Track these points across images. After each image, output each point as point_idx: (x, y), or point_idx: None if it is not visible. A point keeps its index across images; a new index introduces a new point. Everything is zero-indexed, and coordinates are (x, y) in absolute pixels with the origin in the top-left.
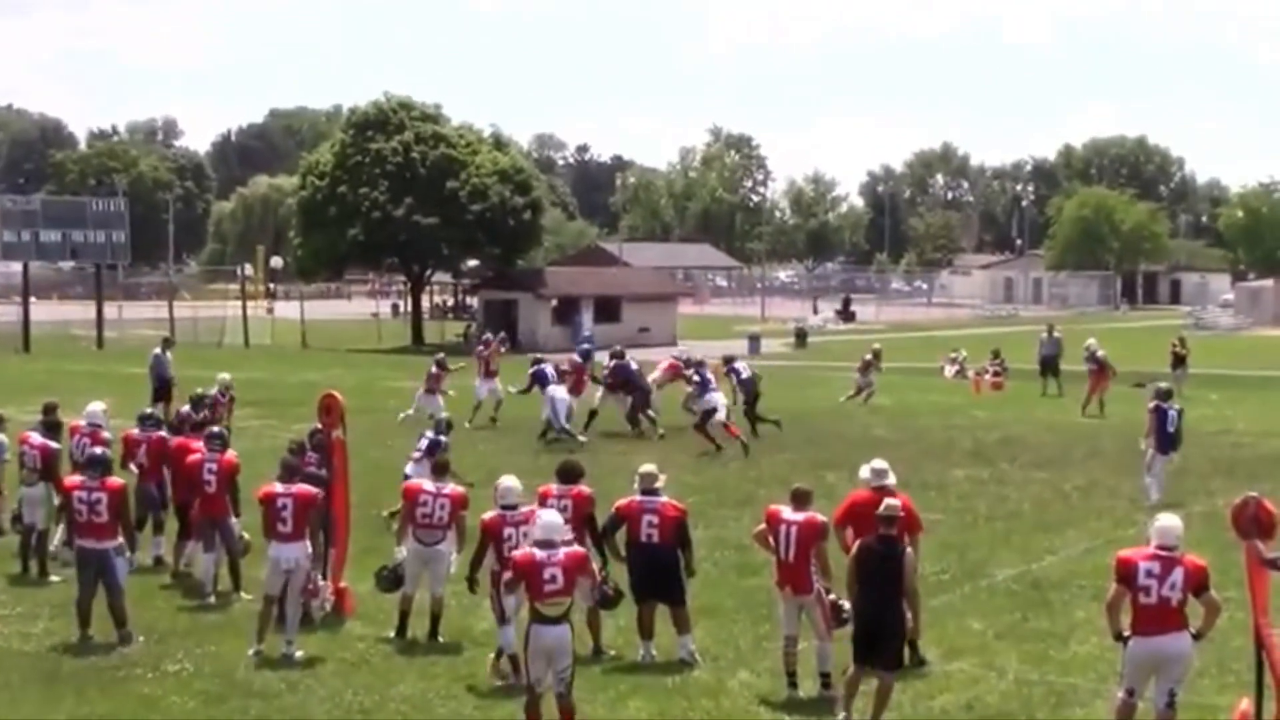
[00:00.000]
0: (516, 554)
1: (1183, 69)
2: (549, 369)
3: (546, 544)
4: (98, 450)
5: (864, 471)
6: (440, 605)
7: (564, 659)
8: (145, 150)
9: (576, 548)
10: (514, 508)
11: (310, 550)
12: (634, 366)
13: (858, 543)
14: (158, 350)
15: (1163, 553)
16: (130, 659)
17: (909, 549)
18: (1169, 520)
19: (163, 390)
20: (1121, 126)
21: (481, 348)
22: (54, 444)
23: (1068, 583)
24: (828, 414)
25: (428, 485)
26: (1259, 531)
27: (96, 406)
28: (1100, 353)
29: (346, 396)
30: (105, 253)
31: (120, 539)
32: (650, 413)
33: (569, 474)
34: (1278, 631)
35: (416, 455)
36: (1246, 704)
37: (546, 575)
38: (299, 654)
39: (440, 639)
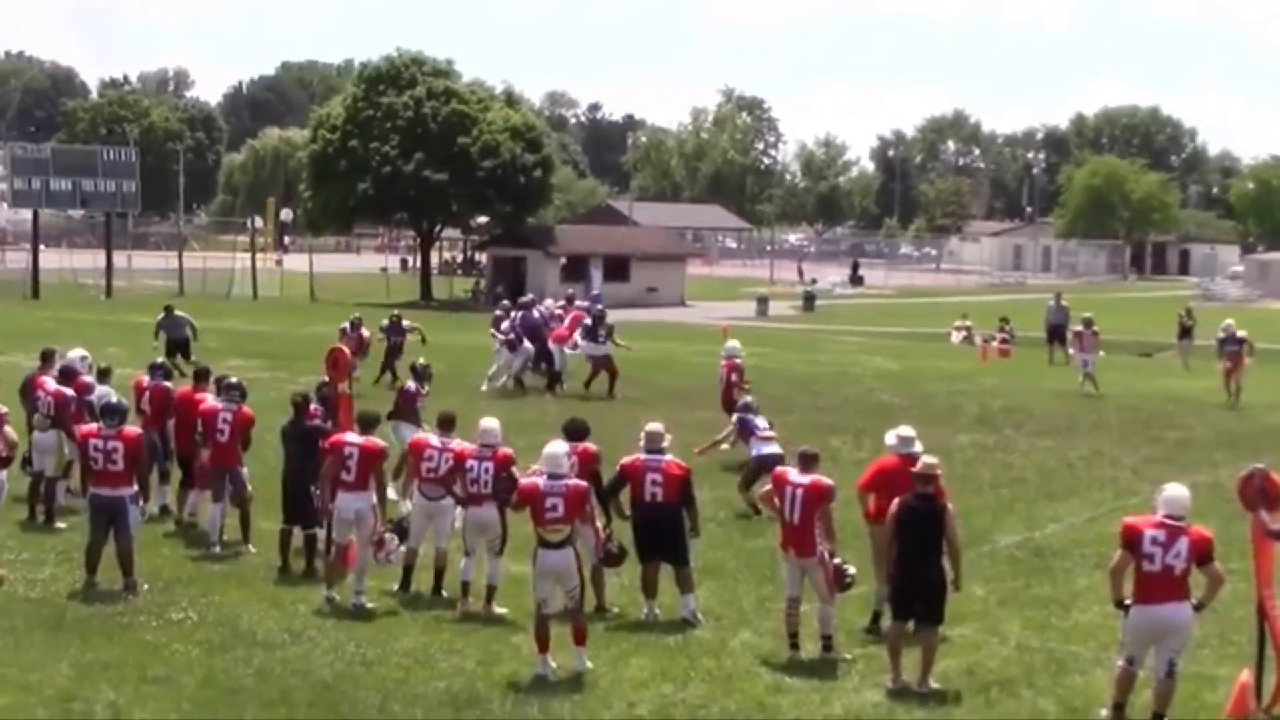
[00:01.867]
0: (523, 482)
1: (1197, 40)
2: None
3: (551, 474)
4: (115, 398)
5: (890, 438)
6: (444, 559)
7: (571, 579)
8: (156, 100)
9: (579, 481)
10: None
11: (374, 501)
12: (538, 319)
13: (896, 500)
14: (163, 315)
15: (1169, 522)
16: (135, 606)
17: (949, 505)
18: (1177, 490)
19: (177, 347)
20: (1134, 96)
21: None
22: (68, 391)
23: (1070, 551)
24: (834, 378)
25: (433, 440)
26: (1265, 503)
27: (76, 353)
28: (1241, 333)
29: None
30: (115, 202)
31: (135, 488)
32: (554, 370)
33: (576, 431)
34: None
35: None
36: (1247, 675)
37: (548, 504)
38: (369, 604)
39: (444, 593)
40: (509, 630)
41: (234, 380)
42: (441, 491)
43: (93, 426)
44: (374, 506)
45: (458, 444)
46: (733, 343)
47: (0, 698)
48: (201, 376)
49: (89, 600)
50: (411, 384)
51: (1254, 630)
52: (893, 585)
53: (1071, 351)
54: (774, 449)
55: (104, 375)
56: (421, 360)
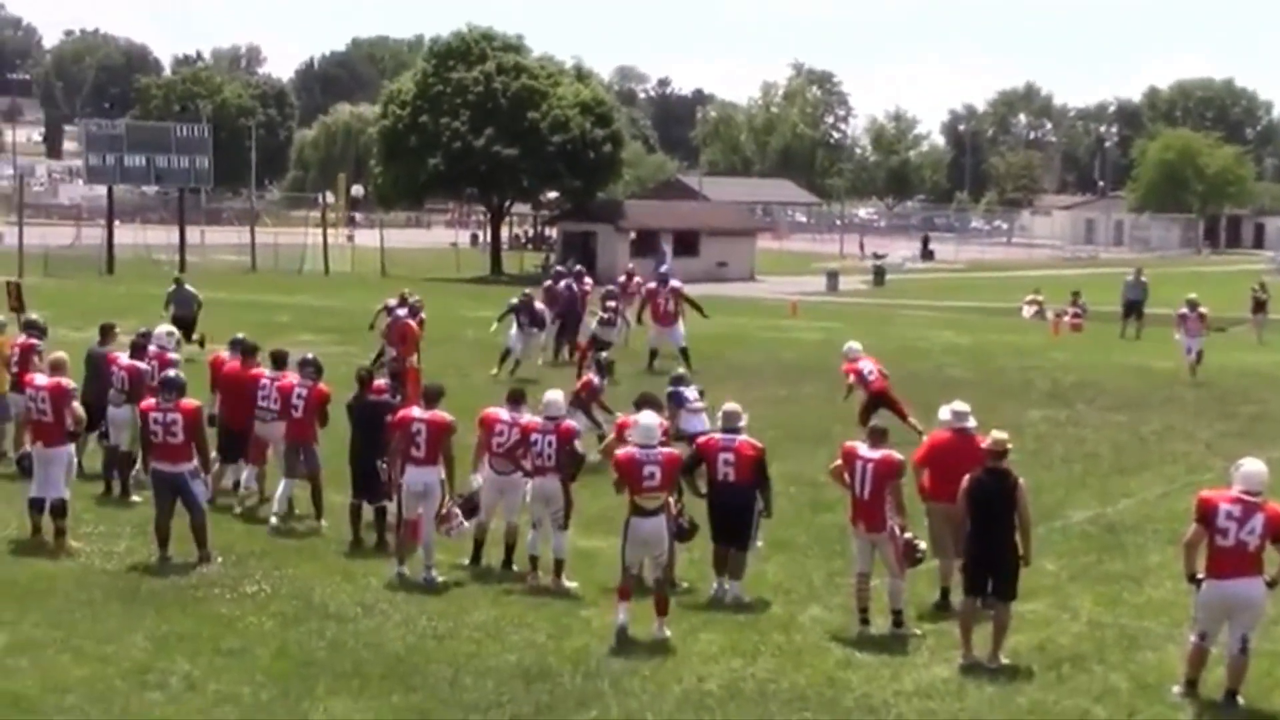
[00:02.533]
0: (619, 453)
1: (1273, 11)
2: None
3: (645, 445)
4: (172, 372)
5: (944, 413)
6: (515, 534)
7: (660, 545)
8: (229, 77)
9: (674, 450)
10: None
11: (443, 475)
12: (563, 291)
13: (968, 476)
14: (172, 288)
15: (1245, 497)
16: (209, 579)
17: (1021, 480)
18: (1255, 465)
19: (179, 324)
20: (1209, 69)
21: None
22: (142, 365)
23: (1142, 526)
24: (904, 353)
25: (504, 414)
26: None
27: (163, 329)
28: None
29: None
30: (188, 178)
31: (195, 462)
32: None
33: (651, 404)
34: None
35: None
36: None
37: (645, 472)
38: (439, 577)
39: (515, 567)
40: (579, 604)
41: (310, 356)
42: (511, 466)
43: (152, 401)
44: (442, 481)
45: (527, 418)
46: (853, 343)
47: (78, 669)
48: (250, 352)
49: (164, 573)
50: (595, 377)
51: None
52: (966, 561)
53: (1177, 337)
54: (699, 423)
55: (140, 351)
56: (605, 355)
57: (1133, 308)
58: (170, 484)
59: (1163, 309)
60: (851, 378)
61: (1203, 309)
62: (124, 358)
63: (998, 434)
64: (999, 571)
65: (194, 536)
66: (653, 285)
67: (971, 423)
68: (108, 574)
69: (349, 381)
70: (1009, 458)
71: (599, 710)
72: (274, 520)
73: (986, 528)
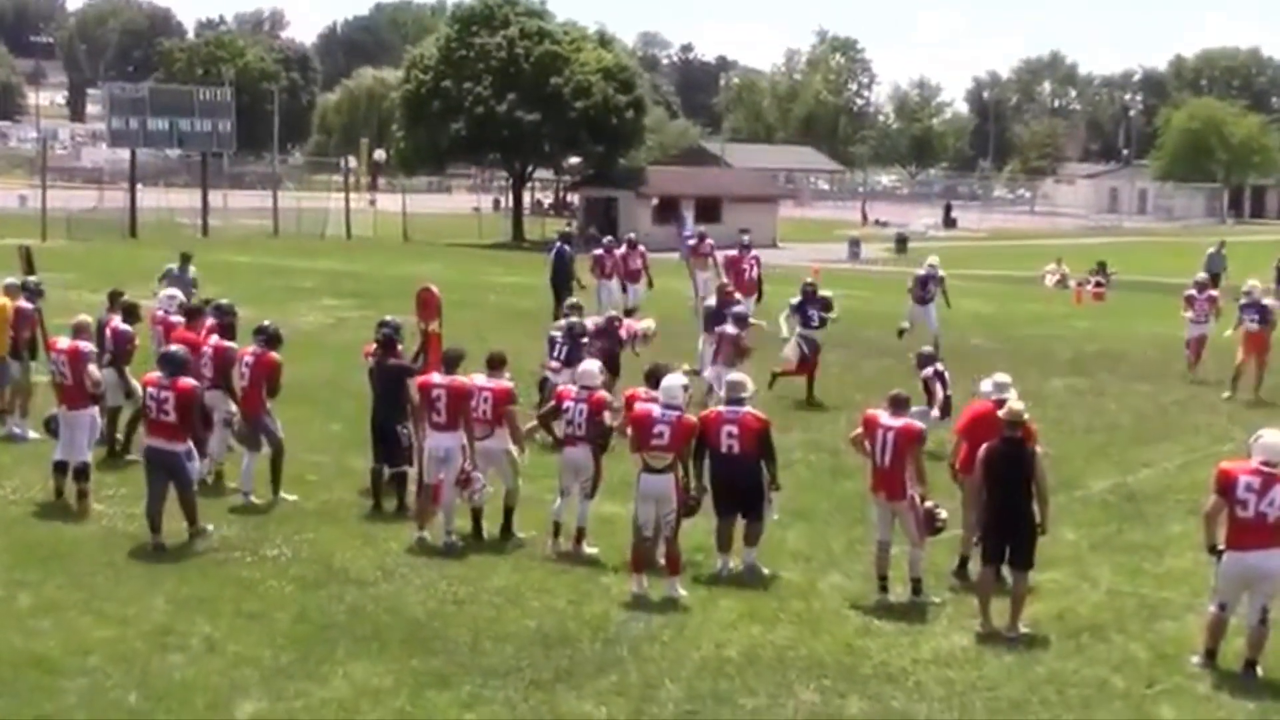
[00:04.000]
0: (638, 407)
1: None
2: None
3: (665, 405)
4: (173, 348)
5: (985, 384)
6: (512, 498)
7: (667, 504)
8: (252, 41)
9: (690, 416)
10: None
11: (464, 441)
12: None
13: (984, 445)
14: (172, 265)
15: (1265, 468)
16: (230, 542)
17: (1038, 449)
18: (1274, 436)
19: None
20: (1234, 37)
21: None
22: (125, 328)
23: (1163, 496)
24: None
25: (477, 380)
26: None
27: (167, 292)
28: (1270, 300)
29: (446, 291)
30: (211, 142)
31: (189, 443)
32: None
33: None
34: None
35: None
36: None
37: (656, 430)
38: (460, 542)
39: (518, 534)
40: (599, 570)
41: (265, 324)
42: (485, 432)
43: (154, 375)
44: (463, 446)
45: (495, 384)
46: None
47: (99, 630)
48: (194, 315)
49: (185, 535)
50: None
51: None
52: (984, 530)
53: (1187, 315)
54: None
55: (130, 313)
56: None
57: (1214, 280)
58: (163, 463)
59: (1187, 279)
60: None
61: (1213, 291)
62: (116, 320)
63: (1014, 403)
64: (1016, 541)
65: (183, 512)
66: (735, 253)
67: (1012, 394)
68: (129, 537)
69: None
70: (1033, 428)
71: (618, 676)
72: (242, 498)
73: (1003, 497)
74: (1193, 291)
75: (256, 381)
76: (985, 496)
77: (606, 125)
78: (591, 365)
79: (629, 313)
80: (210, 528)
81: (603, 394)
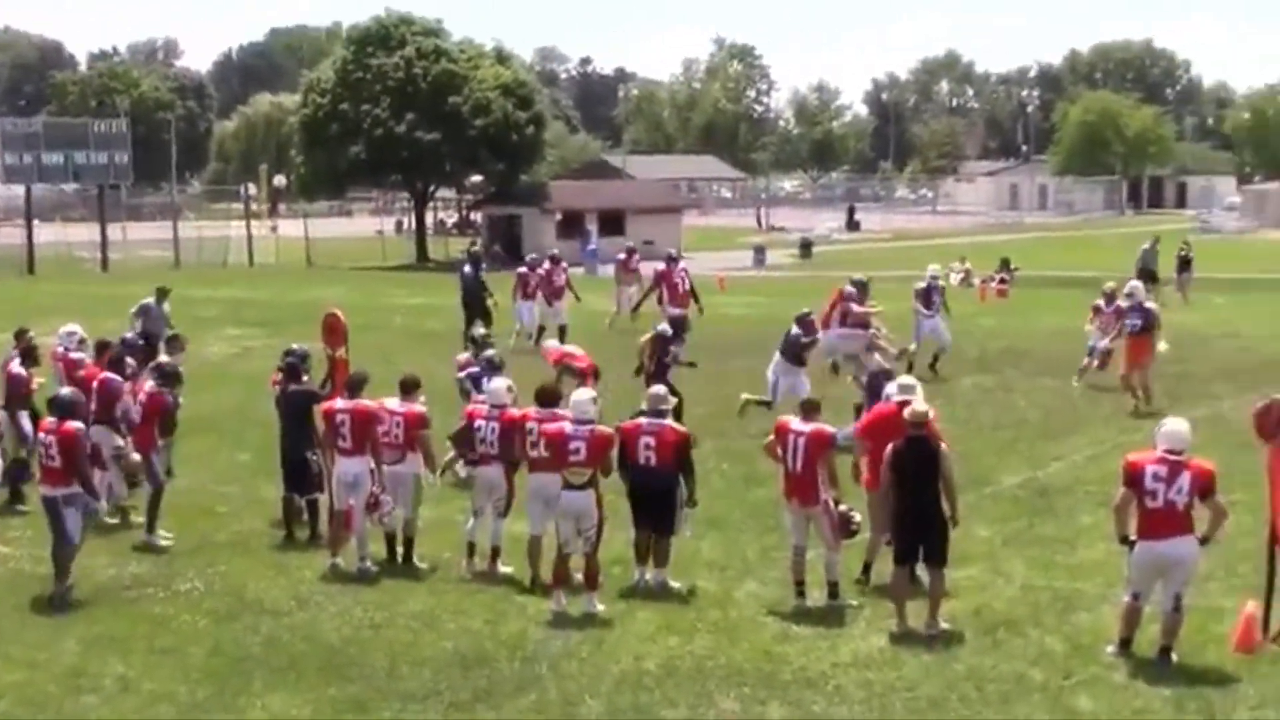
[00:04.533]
0: (549, 427)
1: None
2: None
3: (577, 420)
4: (63, 391)
5: (890, 388)
6: (410, 528)
7: (588, 520)
8: (146, 70)
9: (605, 429)
10: (499, 407)
11: (372, 465)
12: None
13: (890, 446)
14: (149, 300)
15: (1170, 456)
16: (141, 579)
17: (943, 445)
18: (1176, 424)
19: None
20: (1127, 30)
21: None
22: (19, 371)
23: (1074, 489)
24: None
25: (389, 404)
26: None
27: (66, 328)
28: (1151, 303)
29: (351, 314)
30: (108, 174)
31: (73, 487)
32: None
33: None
34: None
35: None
36: (1253, 606)
37: (572, 447)
38: (374, 567)
39: (420, 563)
40: (515, 589)
41: (162, 360)
42: (396, 456)
43: (48, 419)
44: (371, 470)
45: (408, 408)
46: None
47: (9, 675)
48: (101, 349)
49: (94, 574)
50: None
51: (1262, 561)
52: (896, 531)
53: (1087, 328)
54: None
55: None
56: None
57: (1148, 275)
58: (49, 509)
59: (1089, 272)
60: None
61: (1121, 302)
62: (15, 364)
63: (918, 404)
64: (930, 538)
65: (52, 561)
66: (664, 267)
67: (918, 395)
68: (37, 578)
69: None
70: (943, 427)
71: (537, 694)
72: (144, 537)
73: (913, 496)
74: (1100, 302)
75: (148, 419)
76: (894, 497)
77: (507, 142)
78: (500, 384)
79: (560, 330)
80: (71, 584)
81: (514, 412)
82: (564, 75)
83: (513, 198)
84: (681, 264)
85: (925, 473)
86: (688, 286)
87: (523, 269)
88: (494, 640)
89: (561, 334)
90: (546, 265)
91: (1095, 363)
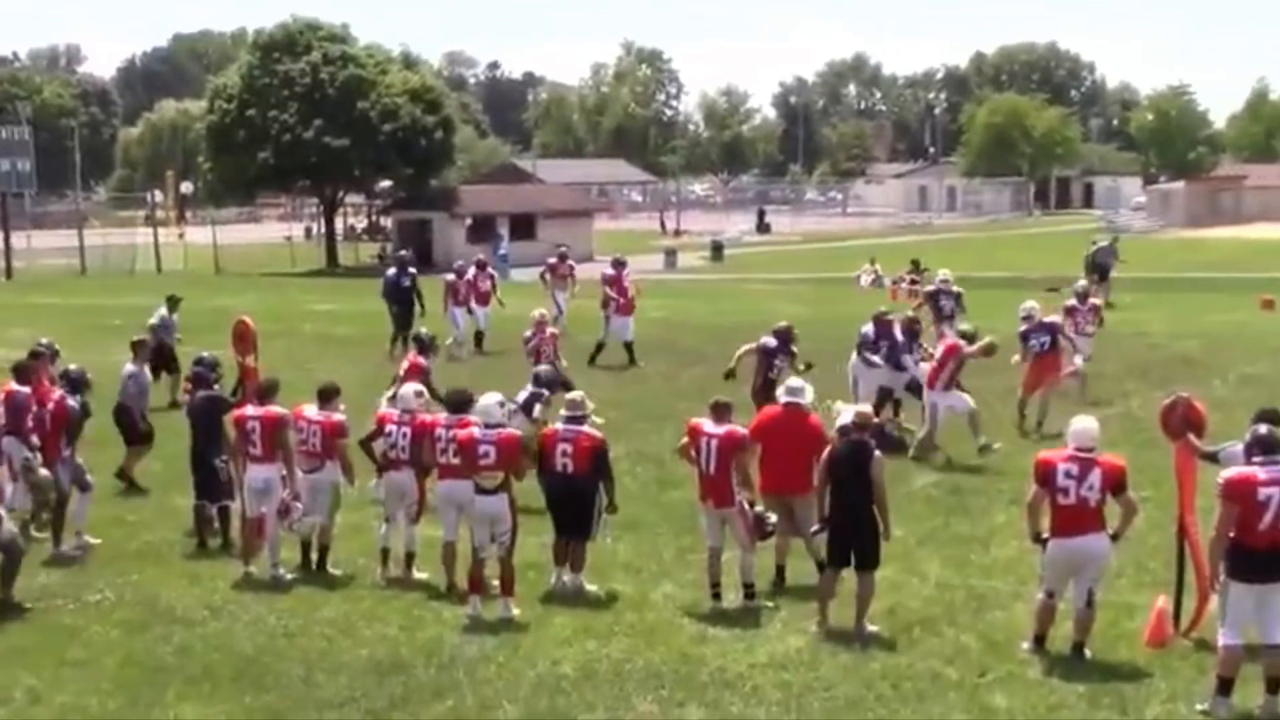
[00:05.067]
0: (460, 432)
1: None
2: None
3: (486, 425)
4: None
5: (780, 389)
6: (326, 535)
7: (502, 524)
8: (48, 77)
9: (513, 431)
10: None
11: (284, 471)
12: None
13: (829, 448)
14: (163, 311)
15: (1080, 454)
16: (51, 590)
17: (878, 452)
18: (1085, 422)
19: (163, 355)
20: (1032, 32)
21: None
22: None
23: (987, 488)
24: (744, 327)
25: (307, 411)
26: (1189, 431)
27: None
28: (1053, 317)
29: (261, 321)
30: (10, 181)
31: None
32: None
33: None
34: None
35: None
36: (1164, 601)
37: (481, 451)
38: (287, 575)
39: (334, 570)
40: (430, 595)
41: (70, 368)
42: (314, 464)
43: None
44: (283, 476)
45: (325, 417)
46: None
47: None
48: (33, 357)
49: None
50: (420, 357)
51: (1172, 556)
52: (829, 533)
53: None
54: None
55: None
56: (425, 330)
57: (1102, 271)
58: None
59: (998, 273)
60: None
61: (1096, 300)
62: None
63: (862, 409)
64: (860, 541)
65: None
66: (612, 272)
67: (805, 399)
68: None
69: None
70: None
71: (454, 700)
72: (63, 547)
73: (846, 499)
74: (1073, 301)
75: (55, 429)
76: (830, 499)
77: (416, 147)
78: (409, 389)
79: (478, 336)
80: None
81: (425, 417)
82: (472, 79)
83: (423, 202)
84: (627, 269)
85: (860, 477)
86: (634, 292)
87: (451, 276)
88: (410, 647)
89: (479, 339)
90: (472, 270)
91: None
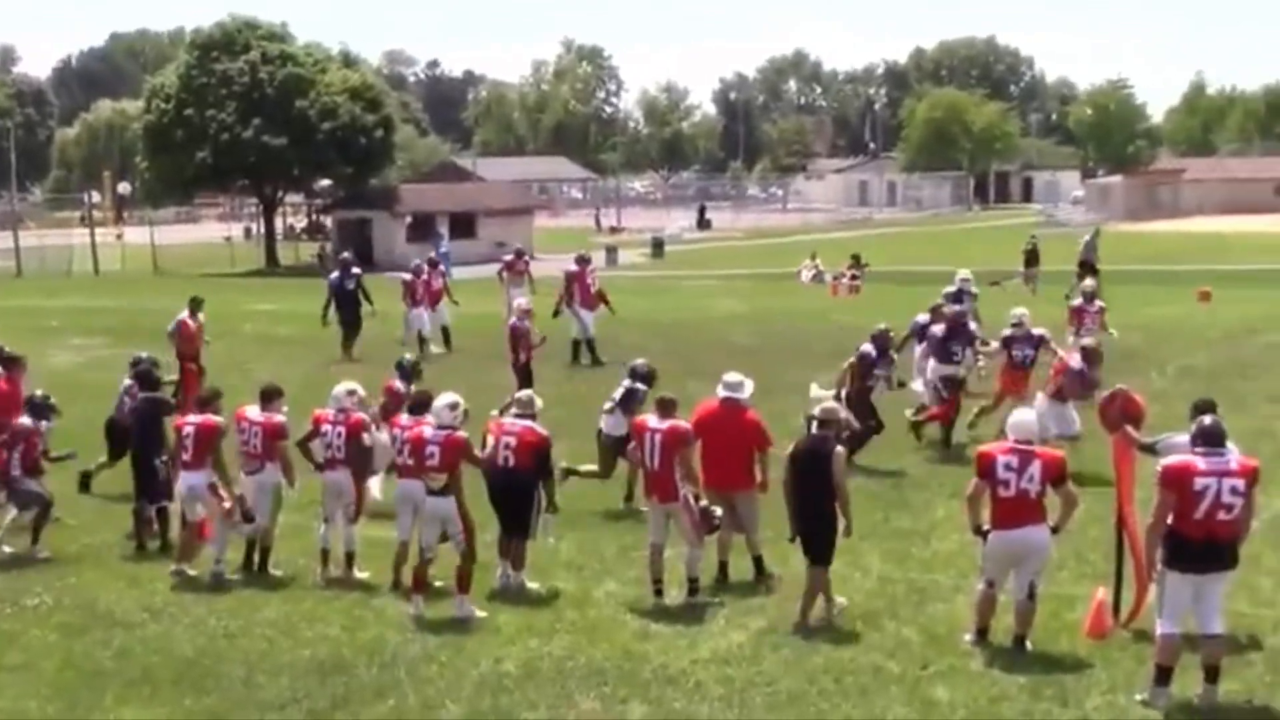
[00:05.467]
0: (412, 433)
1: None
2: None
3: (437, 426)
4: None
5: (720, 385)
6: (268, 537)
7: (454, 525)
8: None
9: (460, 434)
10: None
11: (213, 478)
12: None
13: (793, 444)
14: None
15: (1020, 446)
16: None
17: (840, 449)
18: (1023, 414)
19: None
20: (971, 27)
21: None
22: None
23: (928, 482)
24: (686, 323)
25: (249, 413)
26: (1127, 423)
27: None
28: (1040, 330)
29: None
30: None
31: None
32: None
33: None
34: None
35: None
36: (1103, 593)
37: (428, 451)
38: (229, 576)
39: (275, 570)
40: (371, 595)
41: (35, 394)
42: (254, 466)
43: None
44: (212, 482)
45: (265, 418)
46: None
47: None
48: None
49: None
50: (399, 383)
51: (1112, 548)
52: (797, 528)
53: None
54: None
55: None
56: (410, 357)
57: (1090, 271)
58: None
59: (939, 267)
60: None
61: (1101, 302)
62: None
63: (828, 405)
64: (813, 535)
65: None
66: (575, 268)
67: (743, 394)
68: None
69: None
70: (799, 421)
71: (396, 699)
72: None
73: (805, 493)
74: (1079, 301)
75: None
76: (791, 491)
77: (355, 146)
78: (341, 389)
79: (445, 332)
80: None
81: (360, 415)
82: (412, 78)
83: (363, 201)
84: (591, 265)
85: (819, 472)
86: (597, 287)
87: (408, 275)
88: (351, 647)
89: (421, 342)
90: (425, 269)
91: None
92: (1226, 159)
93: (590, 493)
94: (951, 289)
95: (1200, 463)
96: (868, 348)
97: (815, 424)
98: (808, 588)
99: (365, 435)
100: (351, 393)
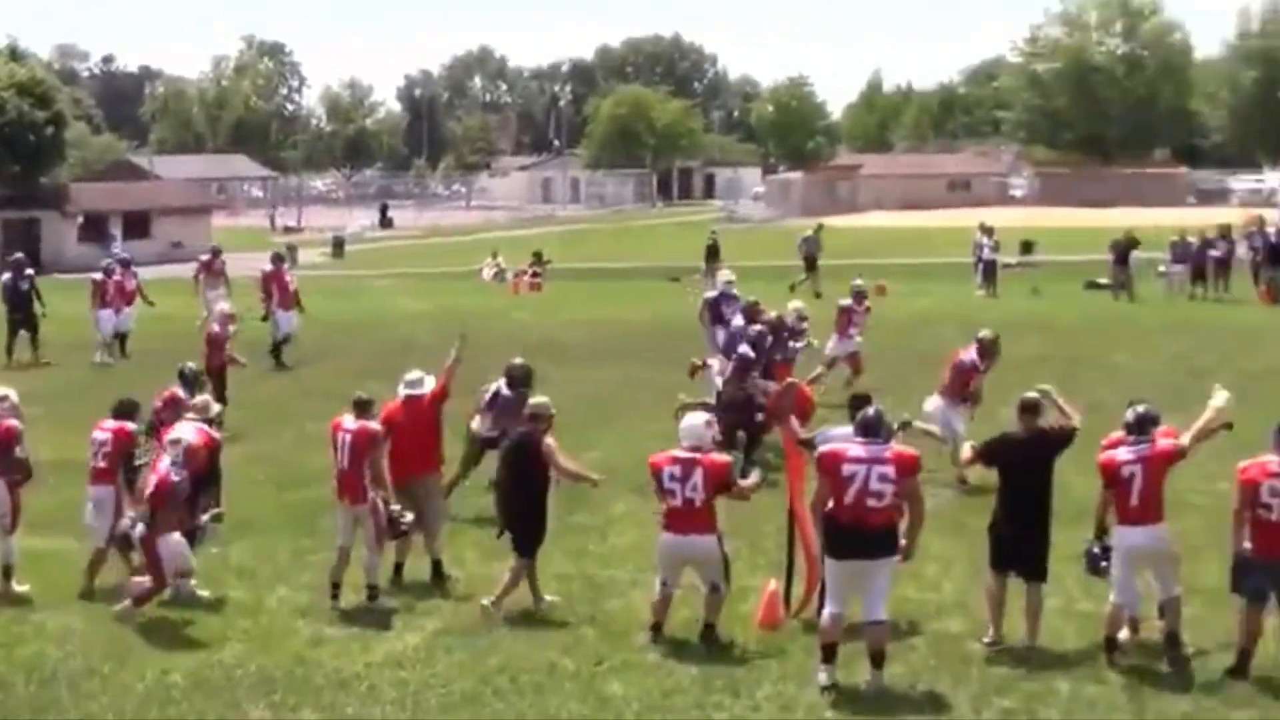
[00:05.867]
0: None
1: None
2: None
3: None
4: None
5: (401, 385)
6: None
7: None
8: None
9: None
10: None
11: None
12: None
13: (505, 441)
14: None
15: (683, 454)
16: None
17: (549, 441)
18: (691, 420)
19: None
20: (657, 25)
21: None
22: None
23: (609, 478)
24: (368, 323)
25: (105, 425)
26: (797, 416)
27: None
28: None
29: None
30: None
31: None
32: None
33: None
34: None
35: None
36: (775, 585)
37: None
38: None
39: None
40: (31, 610)
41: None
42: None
43: None
44: (116, 492)
45: (117, 426)
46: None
47: None
48: None
49: None
50: (181, 390)
51: (784, 539)
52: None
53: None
54: None
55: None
56: (192, 365)
57: (811, 263)
58: None
59: (622, 263)
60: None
61: (868, 302)
62: None
63: (540, 399)
64: (520, 528)
65: None
66: (271, 268)
67: (422, 390)
68: None
69: None
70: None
71: (55, 715)
72: None
73: (512, 485)
74: (849, 302)
75: None
76: (500, 486)
77: (24, 143)
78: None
79: (121, 338)
80: None
81: (11, 423)
82: (85, 73)
83: (31, 201)
84: (287, 264)
85: (528, 464)
86: (295, 287)
87: (98, 275)
88: (9, 663)
89: (122, 342)
90: (117, 269)
91: (850, 370)
92: (902, 155)
93: (267, 496)
94: (712, 294)
95: (851, 449)
96: (971, 355)
97: (526, 420)
98: (511, 578)
99: (17, 446)
100: (3, 399)
